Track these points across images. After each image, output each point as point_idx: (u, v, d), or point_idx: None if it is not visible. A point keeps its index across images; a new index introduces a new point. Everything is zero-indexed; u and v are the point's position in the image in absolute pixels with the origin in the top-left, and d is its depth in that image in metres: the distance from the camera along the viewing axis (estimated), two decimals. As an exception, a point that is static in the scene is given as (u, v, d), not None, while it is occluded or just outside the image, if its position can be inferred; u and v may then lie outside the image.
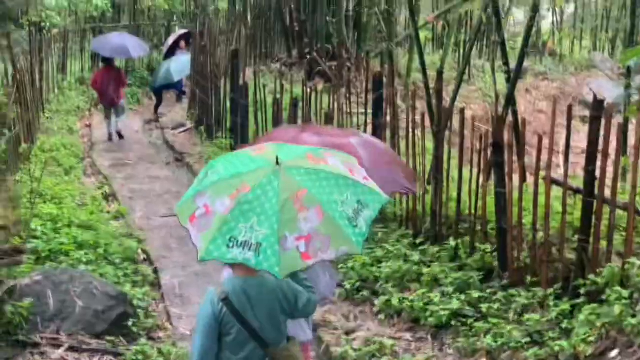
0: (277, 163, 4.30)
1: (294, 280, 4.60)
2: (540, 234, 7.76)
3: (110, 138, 18.29)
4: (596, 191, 7.17)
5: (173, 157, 16.93)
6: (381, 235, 9.76)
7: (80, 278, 7.98)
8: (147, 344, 7.50)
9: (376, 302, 8.51)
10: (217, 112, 17.18)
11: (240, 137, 14.55)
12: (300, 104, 13.36)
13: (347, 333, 8.09)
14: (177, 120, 20.20)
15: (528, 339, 6.95)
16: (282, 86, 14.05)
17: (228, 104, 16.45)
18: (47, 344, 7.06)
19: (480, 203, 8.61)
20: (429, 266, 8.68)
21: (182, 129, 18.96)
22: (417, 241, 9.41)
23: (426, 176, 10.03)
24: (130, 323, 7.82)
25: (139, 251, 10.63)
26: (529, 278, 7.74)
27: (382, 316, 8.30)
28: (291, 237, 4.06)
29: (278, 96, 13.92)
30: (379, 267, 8.98)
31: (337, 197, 4.21)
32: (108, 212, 12.28)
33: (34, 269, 8.11)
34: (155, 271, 10.20)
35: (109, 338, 7.47)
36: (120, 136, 18.42)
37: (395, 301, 8.24)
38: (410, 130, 9.91)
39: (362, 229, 4.22)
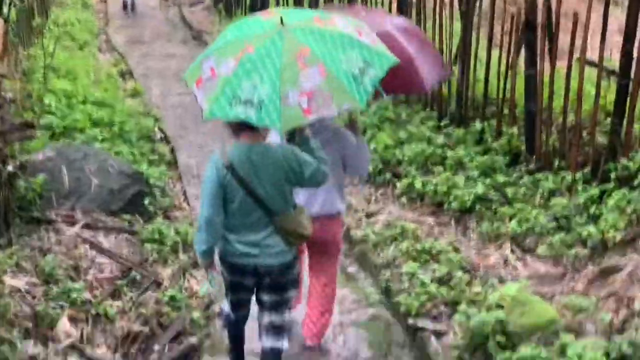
0: (282, 23, 4.28)
1: (306, 150, 4.57)
2: (571, 117, 7.45)
3: (124, 6, 17.88)
4: (632, 72, 6.81)
5: (190, 35, 16.54)
6: (404, 117, 9.46)
7: (94, 155, 7.80)
8: (163, 223, 7.37)
9: (398, 185, 8.31)
10: (235, -12, 16.68)
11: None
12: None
13: (368, 216, 7.93)
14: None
15: (554, 224, 6.75)
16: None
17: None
18: (61, 221, 6.92)
19: (508, 85, 8.26)
20: (453, 149, 8.43)
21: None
22: (442, 123, 9.12)
23: (452, 57, 9.65)
24: (146, 202, 7.67)
25: (156, 130, 10.44)
26: (557, 162, 7.47)
27: (404, 199, 8.11)
28: (293, 93, 4.11)
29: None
30: (402, 150, 8.73)
31: (341, 56, 4.22)
32: (124, 90, 12.03)
33: (47, 146, 7.90)
34: (172, 150, 10.03)
35: (124, 216, 7.33)
36: (133, 6, 18.02)
37: (418, 184, 8.02)
38: (438, 9, 9.46)
39: (366, 87, 4.22)
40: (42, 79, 9.43)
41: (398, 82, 5.09)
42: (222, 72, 4.22)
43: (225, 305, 4.97)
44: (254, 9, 15.18)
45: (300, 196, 4.99)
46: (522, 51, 8.02)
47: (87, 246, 6.60)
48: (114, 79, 12.39)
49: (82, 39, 14.49)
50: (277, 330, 4.76)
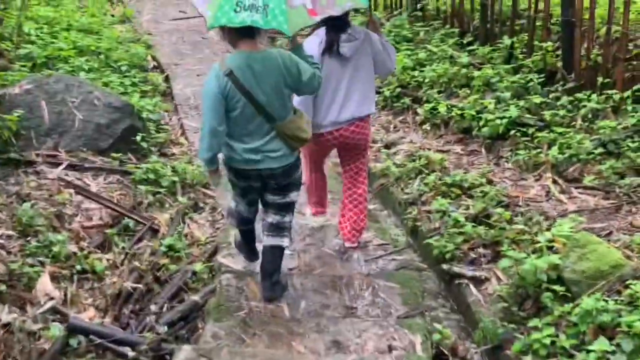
0: None
1: (299, 57, 4.65)
2: (616, 27, 6.58)
3: None
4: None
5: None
6: (422, 35, 8.59)
7: (78, 87, 6.96)
8: (159, 161, 6.60)
9: (419, 110, 7.49)
10: None
11: None
12: None
13: (387, 146, 7.14)
14: None
15: (601, 150, 5.96)
16: None
17: None
18: (43, 161, 6.16)
19: (541, -6, 7.41)
20: (479, 69, 7.61)
21: None
22: (465, 41, 8.37)
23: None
24: (138, 138, 6.86)
25: (148, 58, 9.56)
26: (600, 79, 6.71)
27: (427, 126, 7.34)
28: None
29: None
30: (422, 71, 7.95)
31: None
32: (112, 16, 11.11)
33: (25, 78, 7.04)
34: (167, 79, 9.18)
35: (114, 155, 6.54)
36: None
37: (442, 109, 7.24)
38: None
39: None
40: (20, 5, 8.51)
41: None
42: None
43: (232, 204, 5.08)
44: None
45: (335, 104, 5.21)
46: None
47: (72, 190, 5.86)
48: (101, 4, 11.45)
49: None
50: (279, 229, 4.93)
